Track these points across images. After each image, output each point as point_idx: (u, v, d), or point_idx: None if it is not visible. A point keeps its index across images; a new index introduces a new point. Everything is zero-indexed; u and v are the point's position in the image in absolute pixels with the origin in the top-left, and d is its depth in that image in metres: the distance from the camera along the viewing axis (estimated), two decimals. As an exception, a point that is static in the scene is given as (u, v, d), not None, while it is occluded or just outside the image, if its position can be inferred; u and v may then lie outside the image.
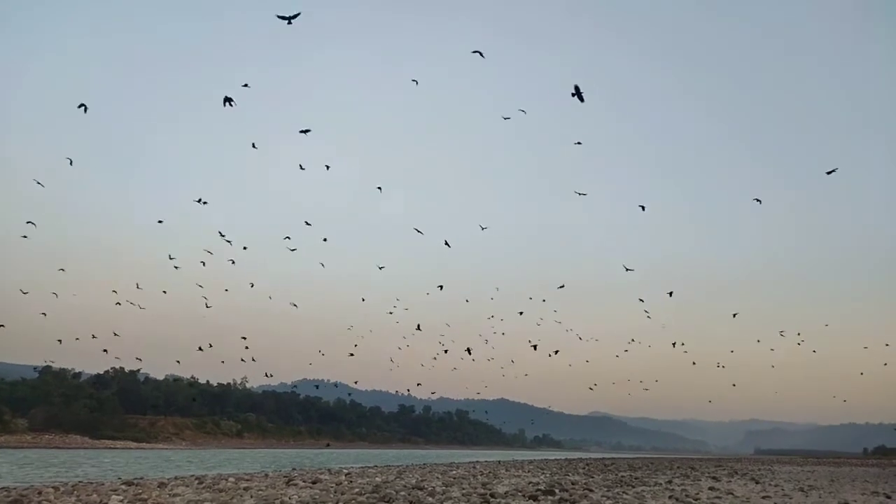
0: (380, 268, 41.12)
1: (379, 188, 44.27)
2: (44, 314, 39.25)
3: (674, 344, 48.62)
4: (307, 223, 36.62)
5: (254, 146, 32.69)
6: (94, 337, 43.39)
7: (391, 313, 56.31)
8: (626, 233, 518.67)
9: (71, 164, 27.77)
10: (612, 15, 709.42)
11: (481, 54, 18.86)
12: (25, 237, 38.72)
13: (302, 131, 28.11)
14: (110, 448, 77.79)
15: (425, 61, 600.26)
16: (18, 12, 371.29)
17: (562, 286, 39.56)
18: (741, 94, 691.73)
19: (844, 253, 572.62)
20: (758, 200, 36.67)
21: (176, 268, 36.29)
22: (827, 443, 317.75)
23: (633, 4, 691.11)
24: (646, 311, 44.06)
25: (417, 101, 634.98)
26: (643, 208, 31.76)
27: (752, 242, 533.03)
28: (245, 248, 36.63)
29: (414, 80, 31.41)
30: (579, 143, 36.20)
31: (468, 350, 47.35)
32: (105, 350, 39.28)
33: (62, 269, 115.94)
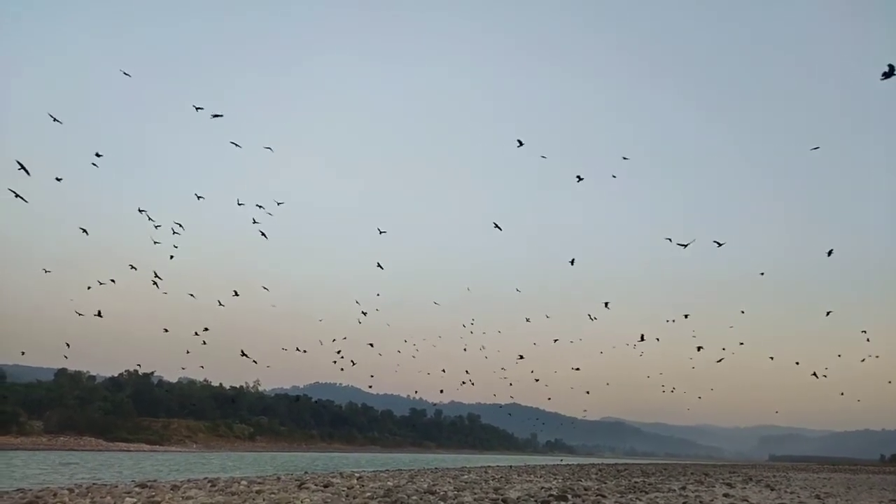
0: (379, 266, 39.58)
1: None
2: (97, 314, 37.52)
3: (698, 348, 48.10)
4: (259, 224, 35.01)
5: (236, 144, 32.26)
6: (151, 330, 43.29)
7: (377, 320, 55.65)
8: (632, 239, 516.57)
9: (57, 121, 27.33)
10: (612, 22, 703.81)
11: None
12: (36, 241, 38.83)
13: (214, 115, 27.20)
14: (124, 450, 78.43)
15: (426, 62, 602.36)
16: (16, 14, 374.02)
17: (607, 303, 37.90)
18: (742, 102, 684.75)
19: (856, 258, 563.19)
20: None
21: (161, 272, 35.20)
22: (843, 449, 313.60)
23: (629, 11, 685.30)
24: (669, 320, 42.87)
25: (416, 103, 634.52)
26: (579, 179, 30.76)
27: (760, 246, 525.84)
28: (265, 234, 35.16)
29: (518, 140, 30.46)
30: (521, 142, 33.91)
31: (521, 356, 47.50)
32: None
33: (74, 273, 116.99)
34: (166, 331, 43.73)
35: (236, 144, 32.08)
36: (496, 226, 36.09)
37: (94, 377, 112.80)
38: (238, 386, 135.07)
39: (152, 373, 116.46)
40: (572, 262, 34.56)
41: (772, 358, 57.51)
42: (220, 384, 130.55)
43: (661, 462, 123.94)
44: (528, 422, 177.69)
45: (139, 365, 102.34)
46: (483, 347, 65.44)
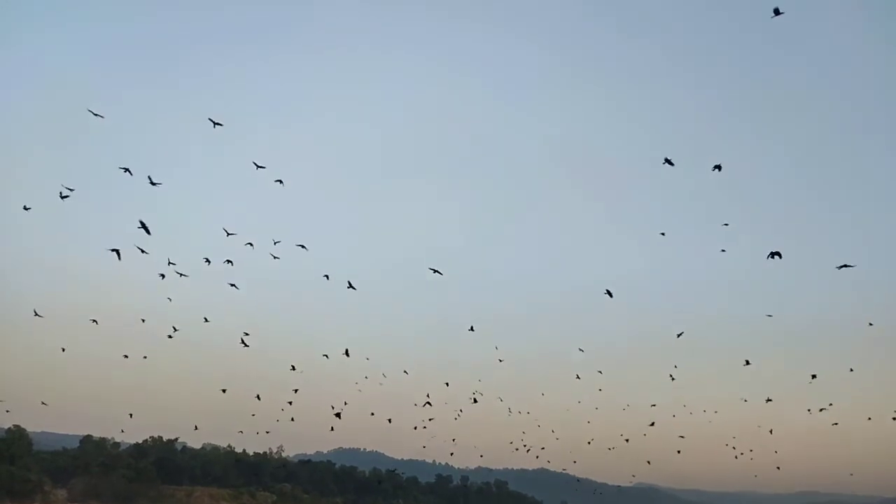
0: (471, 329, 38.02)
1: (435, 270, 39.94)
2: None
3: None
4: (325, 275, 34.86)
5: (280, 182, 32.89)
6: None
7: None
8: (659, 294, 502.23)
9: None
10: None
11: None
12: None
13: (214, 122, 29.17)
14: (147, 520, 77.33)
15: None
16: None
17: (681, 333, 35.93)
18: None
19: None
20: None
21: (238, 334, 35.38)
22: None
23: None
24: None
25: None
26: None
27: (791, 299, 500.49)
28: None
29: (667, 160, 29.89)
30: (718, 167, 31.76)
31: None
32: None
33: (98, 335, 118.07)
34: (259, 398, 43.82)
35: (259, 166, 32.67)
36: (608, 293, 34.20)
37: (118, 444, 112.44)
38: (262, 452, 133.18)
39: (176, 439, 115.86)
40: (679, 335, 33.26)
41: (870, 418, 55.30)
42: (244, 450, 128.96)
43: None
44: (558, 488, 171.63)
45: (196, 427, 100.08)
46: (520, 412, 64.24)
